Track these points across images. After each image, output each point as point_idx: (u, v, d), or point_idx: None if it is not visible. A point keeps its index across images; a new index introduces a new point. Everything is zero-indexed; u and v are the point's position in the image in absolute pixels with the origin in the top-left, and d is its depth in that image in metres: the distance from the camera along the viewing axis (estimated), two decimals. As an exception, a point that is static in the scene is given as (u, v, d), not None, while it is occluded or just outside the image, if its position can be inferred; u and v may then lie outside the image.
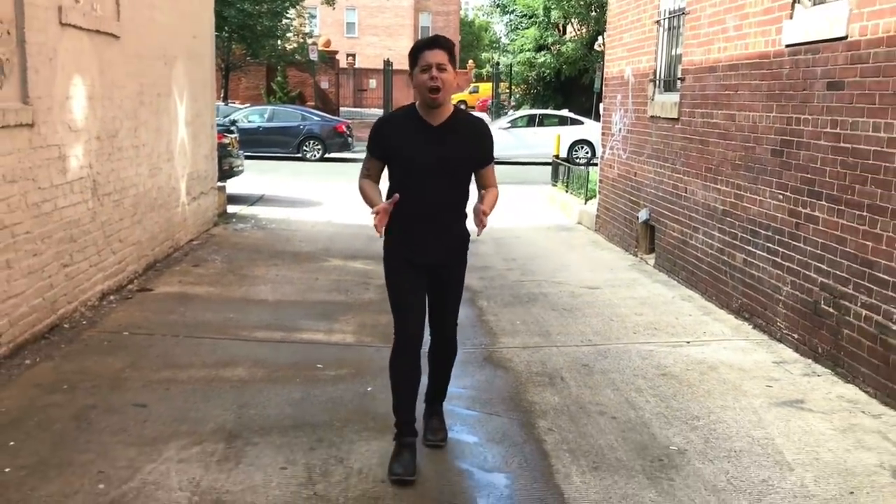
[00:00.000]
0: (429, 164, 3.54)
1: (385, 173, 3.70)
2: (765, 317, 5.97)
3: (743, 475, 3.70)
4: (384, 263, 3.75)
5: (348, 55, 52.99)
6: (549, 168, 16.39)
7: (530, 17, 31.10)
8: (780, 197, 5.77)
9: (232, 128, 14.60)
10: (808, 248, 5.38)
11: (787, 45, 5.73)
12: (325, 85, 39.00)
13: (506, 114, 29.48)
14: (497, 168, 3.89)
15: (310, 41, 35.17)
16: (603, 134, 10.82)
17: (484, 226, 3.50)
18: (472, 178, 3.74)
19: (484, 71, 46.46)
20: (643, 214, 8.76)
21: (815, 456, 3.90)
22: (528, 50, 30.93)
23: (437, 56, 3.48)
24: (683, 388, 4.84)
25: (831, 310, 5.10)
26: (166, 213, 8.10)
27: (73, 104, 5.80)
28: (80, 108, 5.90)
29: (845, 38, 5.00)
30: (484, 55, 48.15)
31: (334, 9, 38.08)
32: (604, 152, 10.69)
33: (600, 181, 10.80)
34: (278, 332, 5.84)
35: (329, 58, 38.89)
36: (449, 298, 3.81)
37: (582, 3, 28.56)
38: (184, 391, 4.53)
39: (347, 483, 3.52)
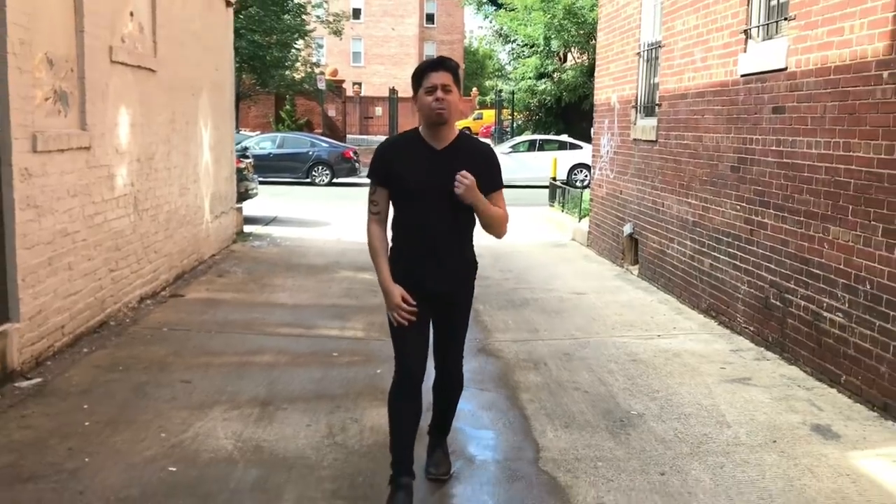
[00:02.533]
0: (433, 190, 3.39)
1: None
2: (727, 314, 6.76)
3: (688, 431, 4.47)
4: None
5: (354, 84, 54.14)
6: (548, 190, 17.22)
7: (531, 47, 32.09)
8: (738, 207, 6.58)
9: (247, 153, 15.47)
10: (760, 251, 6.18)
11: (742, 75, 6.57)
12: (332, 113, 40.06)
13: (508, 139, 30.43)
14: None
15: (317, 71, 36.26)
16: (593, 156, 11.66)
17: (459, 186, 3.33)
18: None
19: (488, 98, 47.54)
20: (627, 228, 9.57)
21: (750, 417, 4.68)
22: (530, 78, 31.88)
23: (443, 77, 3.38)
24: (649, 370, 5.62)
25: (778, 303, 5.88)
26: (193, 229, 8.94)
27: (120, 130, 6.66)
28: (124, 133, 6.76)
29: (785, 69, 5.84)
30: (488, 83, 49.23)
31: (341, 39, 39.20)
32: (594, 173, 11.52)
33: (591, 200, 11.62)
34: (298, 328, 6.64)
35: (336, 86, 39.99)
36: (454, 331, 3.67)
37: (581, 32, 29.50)
38: (221, 372, 5.33)
39: (361, 436, 4.30)
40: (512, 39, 34.88)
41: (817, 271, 5.36)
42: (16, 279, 4.94)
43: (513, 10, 30.81)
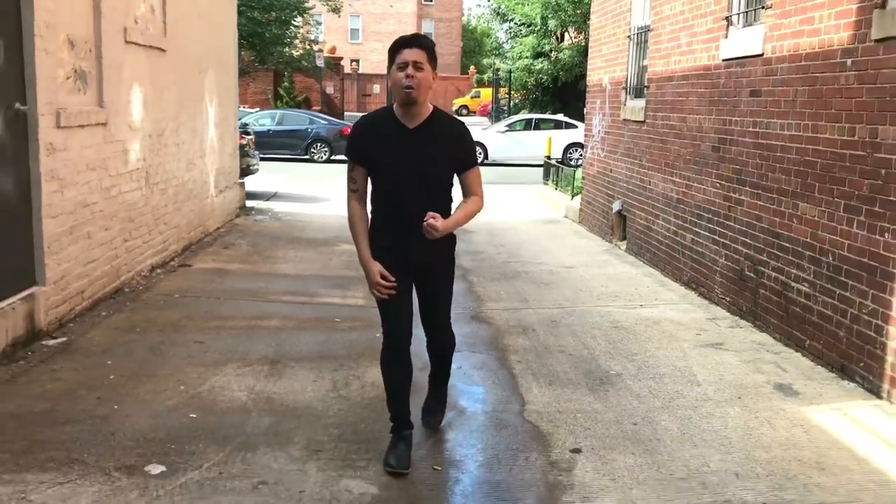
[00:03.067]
0: (407, 168, 3.47)
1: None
2: (706, 285, 7.17)
3: (661, 388, 4.88)
4: None
5: (352, 61, 54.19)
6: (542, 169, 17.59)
7: (528, 26, 32.32)
8: (718, 185, 6.97)
9: (248, 130, 15.79)
10: (737, 226, 6.58)
11: (724, 60, 6.93)
12: (330, 90, 40.26)
13: (505, 118, 30.73)
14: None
15: (316, 48, 36.42)
16: (585, 135, 12.03)
17: (430, 235, 3.40)
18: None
19: (485, 76, 47.76)
20: (616, 205, 9.96)
21: (720, 377, 5.09)
22: (527, 57, 32.15)
23: (415, 54, 3.40)
24: (630, 336, 6.03)
25: (752, 275, 6.29)
26: (199, 202, 9.31)
27: (133, 108, 7.01)
28: (137, 110, 7.11)
29: (762, 54, 6.20)
30: (486, 61, 49.35)
31: (339, 16, 39.31)
32: (586, 152, 11.89)
33: (583, 178, 12.00)
34: (302, 297, 7.04)
35: (334, 64, 40.17)
36: (437, 298, 3.80)
37: (578, 12, 29.70)
38: (231, 334, 5.73)
39: (363, 390, 4.71)
40: (509, 18, 35.10)
41: (787, 245, 5.76)
42: (42, 246, 5.32)
43: (510, -12, 31.04)
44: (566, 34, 32.50)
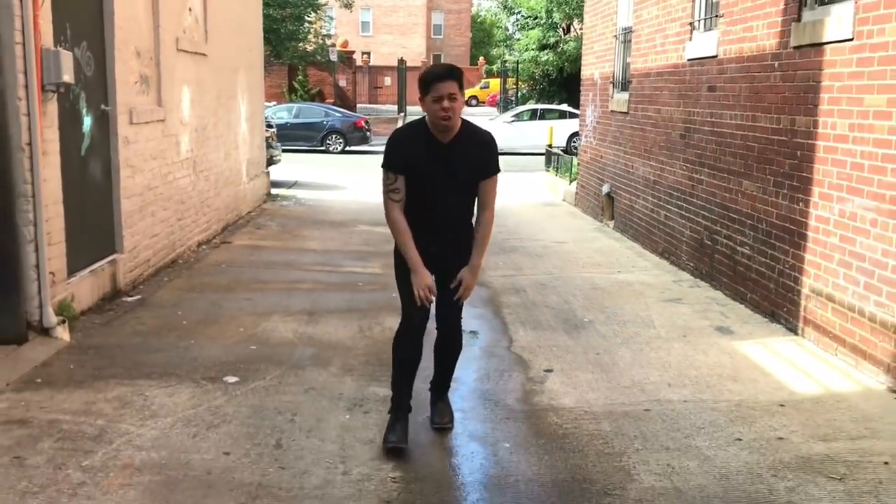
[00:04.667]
0: (441, 180, 3.77)
1: None
2: (675, 254, 8.32)
3: (623, 331, 6.05)
4: (395, 263, 4.00)
5: (363, 53, 55.33)
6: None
7: (534, 18, 33.33)
8: (684, 168, 8.11)
9: (270, 123, 16.99)
10: (698, 203, 7.72)
11: (689, 59, 8.06)
12: (342, 83, 41.44)
13: (512, 108, 31.84)
14: (500, 158, 4.09)
15: (329, 42, 37.58)
16: (580, 125, 13.17)
17: (467, 295, 3.91)
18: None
19: (494, 67, 48.84)
20: (605, 188, 11.11)
21: (672, 322, 6.26)
22: (533, 49, 33.18)
23: (449, 87, 3.66)
24: (605, 294, 7.20)
25: (709, 243, 7.44)
26: (234, 188, 10.52)
27: (183, 106, 8.21)
28: (186, 108, 8.31)
29: (716, 56, 7.33)
30: (495, 51, 50.42)
31: (351, 11, 40.41)
32: (581, 140, 13.03)
33: (579, 165, 13.15)
34: (328, 267, 8.25)
35: (347, 57, 41.33)
36: (454, 299, 3.98)
37: (583, 5, 30.71)
38: (274, 293, 6.94)
39: (383, 333, 5.89)
40: (516, 11, 36.11)
41: (734, 216, 6.91)
42: (120, 221, 6.54)
43: (516, -17, 32.03)
44: (571, 26, 33.51)
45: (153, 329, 5.73)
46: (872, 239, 4.92)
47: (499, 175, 3.97)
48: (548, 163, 17.70)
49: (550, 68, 33.02)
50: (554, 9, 30.95)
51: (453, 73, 3.73)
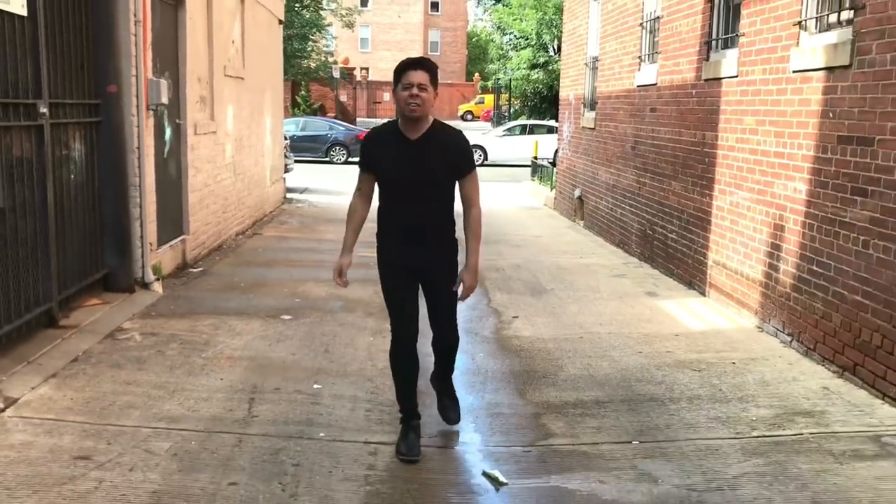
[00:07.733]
0: (409, 177, 3.79)
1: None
2: (627, 244, 10.21)
3: (575, 294, 7.93)
4: (378, 269, 4.15)
5: (362, 69, 57.38)
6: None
7: (525, 39, 35.44)
8: (634, 173, 10.01)
9: (285, 135, 18.87)
10: (643, 201, 9.62)
11: (637, 86, 9.98)
12: (343, 98, 43.48)
13: (505, 123, 33.85)
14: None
15: (331, 60, 39.63)
16: (558, 139, 15.11)
17: (467, 296, 3.97)
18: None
19: (489, 83, 50.99)
20: (577, 192, 13.01)
21: (614, 290, 8.14)
22: (524, 68, 35.26)
23: (419, 76, 3.71)
24: (566, 272, 9.09)
25: (650, 232, 9.34)
26: (261, 190, 12.40)
27: (228, 120, 10.10)
28: (230, 122, 10.20)
29: (656, 84, 9.25)
30: (491, 66, 52.59)
31: (353, 31, 42.48)
32: (559, 153, 14.96)
33: (557, 173, 15.07)
34: (344, 252, 10.12)
35: (348, 73, 43.40)
36: (440, 298, 4.05)
37: (570, 26, 32.74)
38: (305, 268, 8.81)
39: (392, 294, 7.75)
40: (508, 32, 38.22)
41: (667, 210, 8.81)
42: (187, 209, 8.41)
43: (507, 5, 34.08)
44: (561, 47, 35.61)
45: (220, 288, 7.60)
46: (748, 220, 6.81)
47: (476, 171, 3.99)
48: (533, 173, 19.64)
49: (541, 86, 35.09)
50: (543, 31, 33.04)
51: (425, 64, 3.78)
